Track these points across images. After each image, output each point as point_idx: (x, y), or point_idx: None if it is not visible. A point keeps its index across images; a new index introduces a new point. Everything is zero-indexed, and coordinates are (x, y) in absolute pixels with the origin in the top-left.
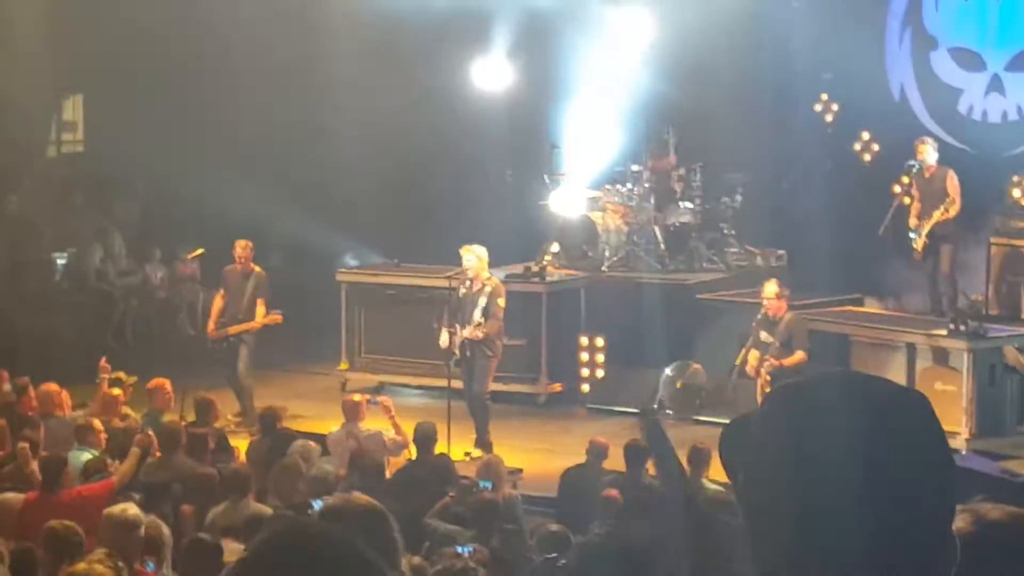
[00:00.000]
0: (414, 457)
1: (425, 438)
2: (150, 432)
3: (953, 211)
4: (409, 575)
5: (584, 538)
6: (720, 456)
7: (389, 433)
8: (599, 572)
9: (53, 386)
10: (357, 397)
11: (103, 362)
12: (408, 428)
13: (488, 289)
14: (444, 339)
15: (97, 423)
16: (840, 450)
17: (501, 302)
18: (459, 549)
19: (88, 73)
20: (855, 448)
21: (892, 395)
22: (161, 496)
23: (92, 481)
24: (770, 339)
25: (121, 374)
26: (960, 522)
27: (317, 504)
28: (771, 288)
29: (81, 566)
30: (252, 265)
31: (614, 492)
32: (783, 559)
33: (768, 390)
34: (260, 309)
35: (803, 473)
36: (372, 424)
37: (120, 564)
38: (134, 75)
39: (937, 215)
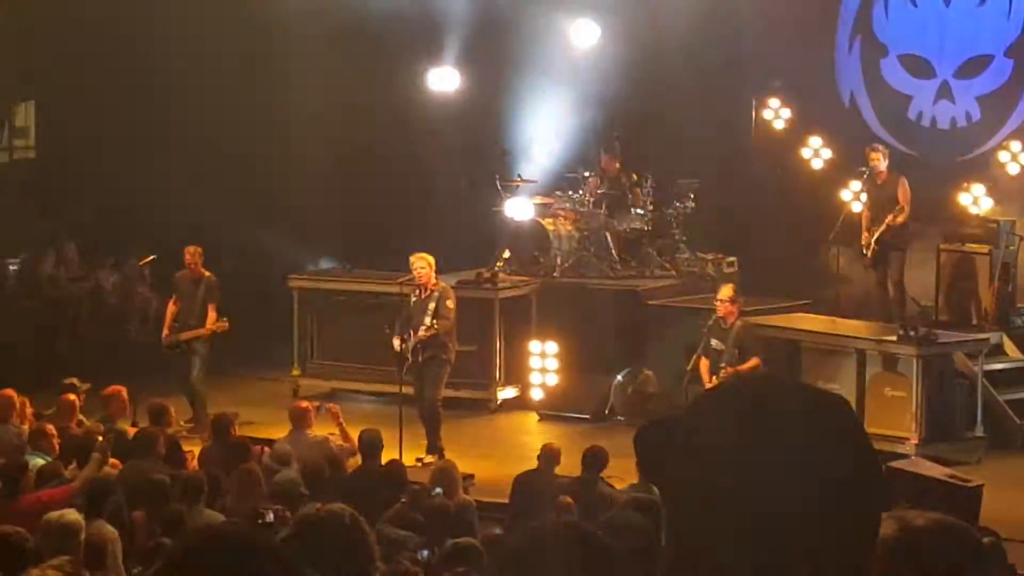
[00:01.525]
0: (360, 464)
1: (370, 446)
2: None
3: (902, 218)
4: None
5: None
6: (639, 457)
7: (336, 440)
8: (555, 554)
9: (9, 392)
10: (305, 404)
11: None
12: (357, 434)
13: (436, 293)
14: (396, 344)
15: (51, 428)
16: (765, 453)
17: (450, 303)
18: (420, 554)
19: (40, 79)
20: (780, 451)
21: (814, 398)
22: (102, 499)
23: (48, 487)
24: (720, 346)
25: (75, 380)
26: (886, 528)
27: (270, 515)
28: (726, 291)
29: (34, 572)
30: (203, 270)
31: (568, 499)
32: (705, 560)
33: None
34: (211, 315)
35: (728, 475)
36: (320, 431)
37: (74, 571)
38: (86, 81)
39: (888, 221)
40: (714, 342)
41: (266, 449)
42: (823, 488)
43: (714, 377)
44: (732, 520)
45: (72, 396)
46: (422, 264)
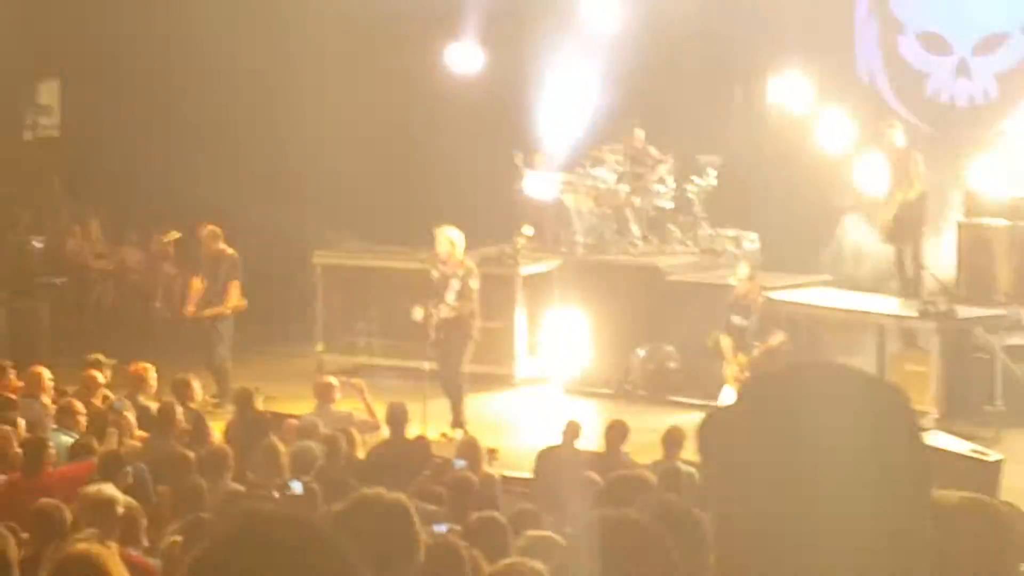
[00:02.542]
0: (387, 438)
1: (396, 419)
2: (126, 413)
3: (914, 194)
4: None
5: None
6: (698, 445)
7: (361, 415)
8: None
9: (39, 369)
10: (329, 379)
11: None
12: (381, 409)
13: (461, 272)
14: (418, 314)
15: (77, 405)
16: (817, 441)
17: (474, 284)
18: (435, 528)
19: (65, 58)
20: (832, 439)
21: (868, 386)
22: (115, 471)
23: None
24: (742, 323)
25: (100, 356)
26: None
27: (295, 484)
28: (743, 269)
29: (81, 546)
30: (223, 248)
31: (594, 475)
32: (753, 547)
33: (747, 375)
34: (233, 292)
35: (780, 463)
36: (344, 405)
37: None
38: (110, 60)
39: (899, 197)
40: (735, 319)
41: (292, 423)
42: (875, 473)
43: (740, 354)
44: (787, 507)
45: (96, 372)
46: (443, 240)
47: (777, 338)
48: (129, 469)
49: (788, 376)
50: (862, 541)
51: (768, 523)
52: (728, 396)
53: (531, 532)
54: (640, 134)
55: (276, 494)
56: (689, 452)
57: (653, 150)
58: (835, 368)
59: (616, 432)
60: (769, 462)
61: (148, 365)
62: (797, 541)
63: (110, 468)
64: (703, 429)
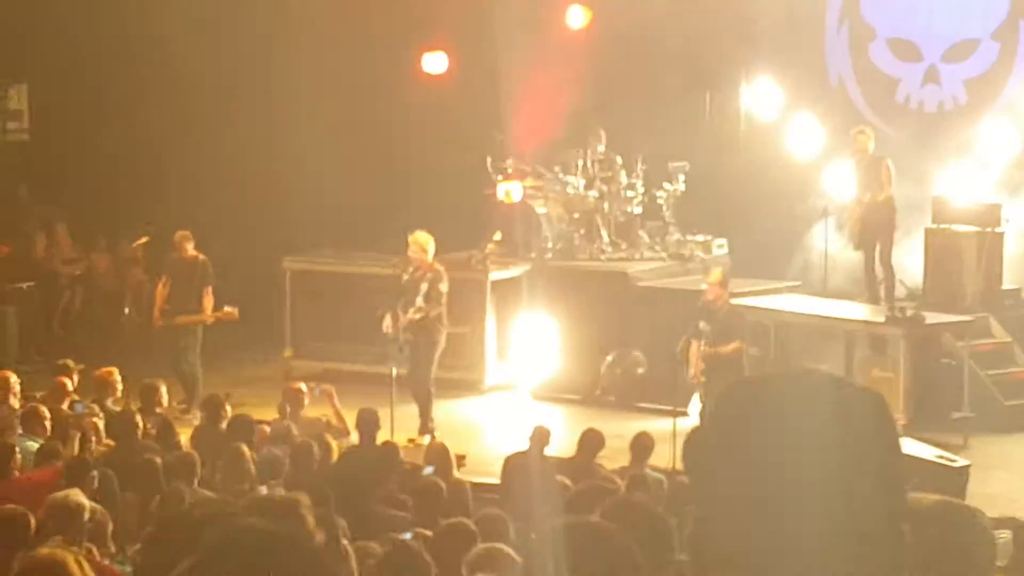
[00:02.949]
0: (356, 443)
1: (367, 424)
2: (92, 418)
3: (882, 197)
4: (355, 560)
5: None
6: (683, 453)
7: (331, 420)
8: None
9: (5, 373)
10: (299, 385)
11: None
12: (351, 415)
13: (429, 276)
14: (387, 323)
15: (43, 410)
16: (794, 448)
17: (443, 287)
18: (405, 535)
19: (33, 62)
20: (809, 446)
21: (847, 392)
22: (80, 477)
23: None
24: (707, 328)
25: (69, 361)
26: None
27: (262, 490)
28: (716, 274)
29: (46, 551)
30: (195, 253)
31: (566, 480)
32: (733, 552)
33: (703, 379)
34: (207, 298)
35: (757, 469)
36: (314, 411)
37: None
38: (79, 64)
39: (866, 200)
40: (702, 324)
41: (263, 428)
42: (854, 478)
43: (697, 358)
44: (765, 510)
45: (65, 378)
46: (415, 245)
47: (731, 346)
48: (95, 475)
49: (767, 382)
50: (842, 544)
51: (747, 527)
52: (696, 403)
53: (481, 546)
54: (602, 136)
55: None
56: (657, 458)
57: (622, 156)
58: (814, 374)
59: (591, 440)
60: (746, 467)
61: (114, 369)
62: (777, 545)
63: (76, 474)
64: (688, 439)
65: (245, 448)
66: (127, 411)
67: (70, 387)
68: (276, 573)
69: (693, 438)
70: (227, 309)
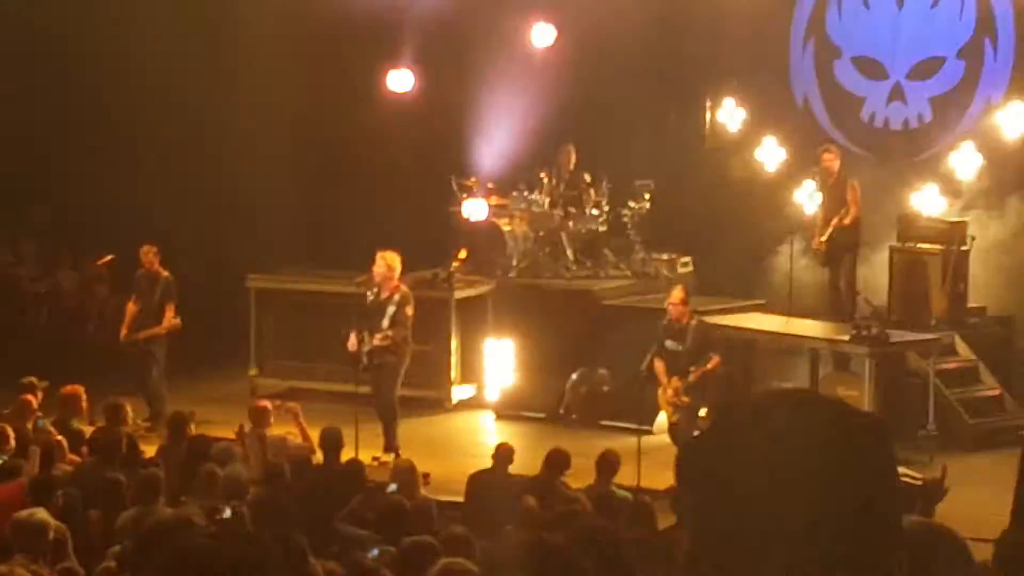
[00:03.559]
0: (320, 462)
1: (330, 443)
2: (58, 437)
3: (849, 219)
4: None
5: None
6: (677, 474)
7: (295, 439)
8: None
9: None
10: (264, 402)
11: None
12: (316, 433)
13: (396, 297)
14: (352, 343)
15: (7, 428)
16: (794, 469)
17: (409, 310)
18: (370, 553)
19: None
20: (807, 466)
21: (843, 413)
22: (47, 496)
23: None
24: (677, 347)
25: (33, 379)
26: None
27: (227, 511)
28: (678, 293)
29: (2, 568)
30: (159, 269)
31: (531, 500)
32: (734, 571)
33: (685, 399)
34: (168, 313)
35: (754, 489)
36: (279, 429)
37: (39, 568)
38: (42, 81)
39: (834, 221)
40: (669, 343)
41: (228, 446)
42: (852, 501)
43: (675, 378)
44: (762, 532)
45: (30, 396)
46: (381, 264)
47: (712, 360)
48: (60, 493)
49: (763, 403)
50: (839, 568)
51: (743, 548)
52: (662, 421)
53: (444, 560)
54: (571, 151)
55: (205, 519)
56: (622, 477)
57: (587, 174)
58: (809, 395)
59: (556, 459)
60: (743, 488)
61: (80, 388)
62: (774, 567)
63: (41, 493)
64: (682, 457)
65: (214, 467)
66: (110, 431)
67: (35, 405)
68: None
69: (690, 456)
70: (173, 321)
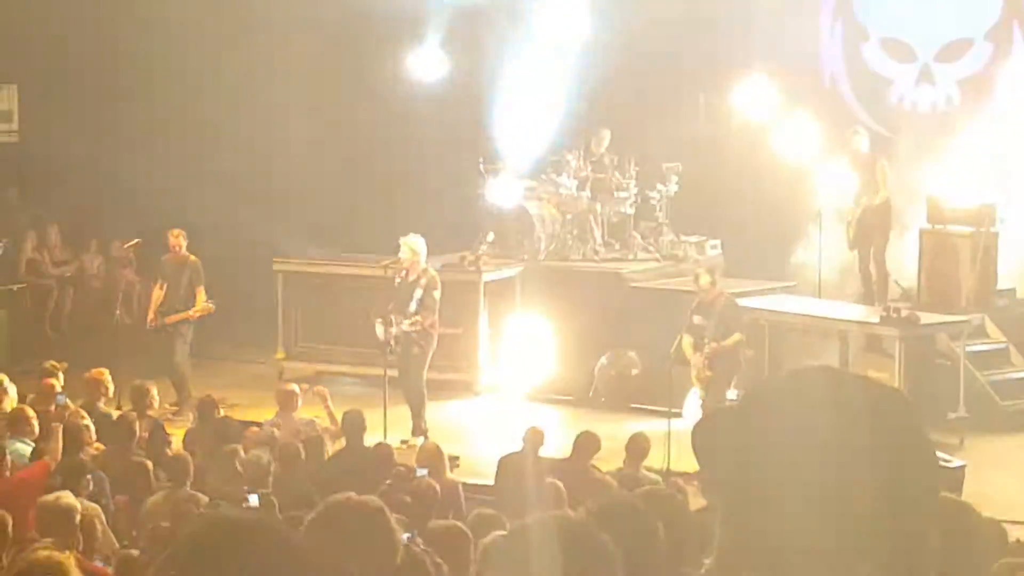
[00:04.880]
0: (344, 446)
1: (353, 426)
2: (80, 414)
3: (880, 200)
4: None
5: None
6: (694, 447)
7: (323, 422)
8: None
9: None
10: (292, 386)
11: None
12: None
13: (423, 281)
14: (380, 331)
15: (30, 412)
16: (821, 444)
17: (436, 294)
18: (404, 536)
19: (23, 62)
20: (837, 441)
21: (872, 392)
22: (78, 477)
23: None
24: (703, 322)
25: (53, 362)
26: None
27: (252, 498)
28: (704, 279)
29: (42, 552)
30: (187, 253)
31: (557, 482)
32: (757, 547)
33: (708, 373)
34: (200, 296)
35: (785, 466)
36: (307, 413)
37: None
38: (69, 64)
39: (864, 203)
40: (696, 318)
41: (255, 431)
42: (885, 477)
43: (698, 353)
44: (790, 509)
45: (51, 380)
46: (405, 249)
47: (733, 338)
48: (90, 478)
49: (790, 380)
50: (870, 542)
51: (774, 524)
52: (693, 399)
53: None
54: (606, 135)
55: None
56: (651, 460)
57: (615, 156)
58: (836, 372)
59: (586, 443)
60: (774, 465)
61: (104, 371)
62: (804, 542)
63: (72, 477)
64: (701, 432)
65: (240, 450)
66: (126, 416)
67: (57, 389)
68: (249, 560)
69: (706, 429)
70: (206, 304)
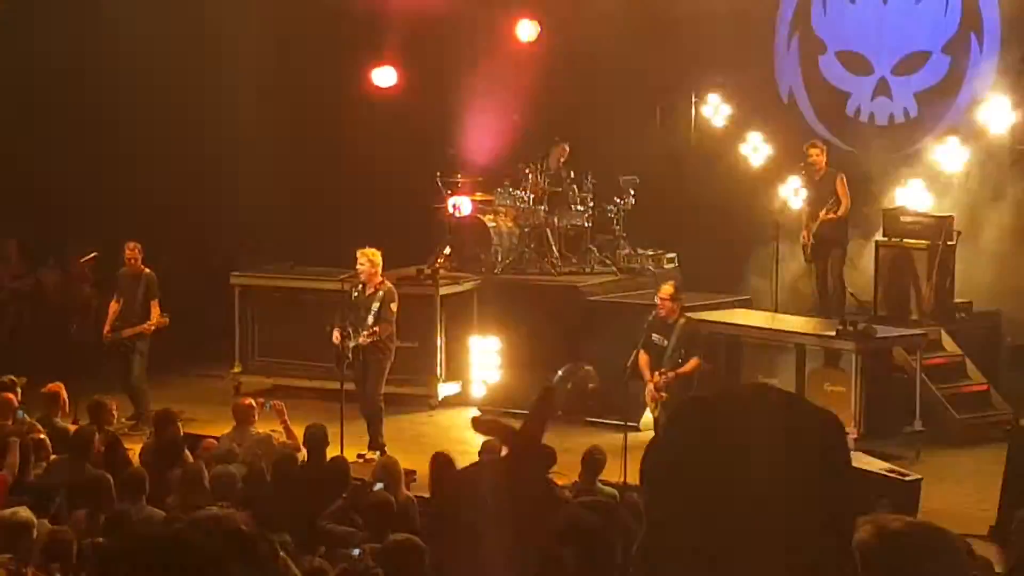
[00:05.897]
0: (305, 460)
1: (315, 440)
2: (41, 436)
3: (838, 212)
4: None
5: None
6: (641, 467)
7: (280, 437)
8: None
9: None
10: (249, 400)
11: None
12: (300, 431)
13: (381, 294)
14: (336, 337)
15: None
16: (742, 468)
17: (394, 307)
18: (354, 552)
19: None
20: (758, 467)
21: (799, 409)
22: (48, 500)
23: None
24: (662, 341)
25: (12, 376)
26: (863, 532)
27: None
28: (667, 288)
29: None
30: (142, 266)
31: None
32: (683, 568)
33: (663, 396)
34: (154, 310)
35: (710, 486)
36: (264, 427)
37: (18, 569)
38: (21, 78)
39: (822, 215)
40: (655, 337)
41: (212, 444)
42: (802, 498)
43: (655, 374)
44: (715, 528)
45: (9, 394)
46: (364, 261)
47: (691, 364)
48: (59, 500)
49: (719, 400)
50: (789, 564)
51: (697, 544)
52: (648, 418)
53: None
54: (564, 149)
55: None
56: (608, 473)
57: (572, 170)
58: (768, 392)
59: (541, 456)
60: (697, 486)
61: (60, 385)
62: (726, 561)
63: (40, 500)
64: (646, 454)
65: (200, 464)
66: (83, 430)
67: (15, 403)
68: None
69: (650, 452)
70: (161, 317)
